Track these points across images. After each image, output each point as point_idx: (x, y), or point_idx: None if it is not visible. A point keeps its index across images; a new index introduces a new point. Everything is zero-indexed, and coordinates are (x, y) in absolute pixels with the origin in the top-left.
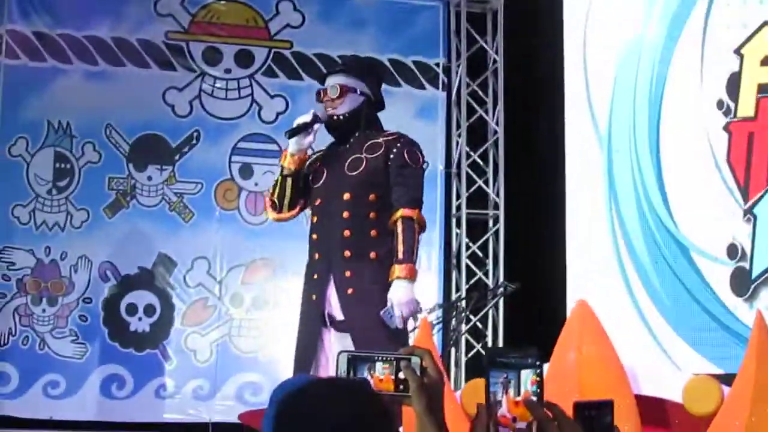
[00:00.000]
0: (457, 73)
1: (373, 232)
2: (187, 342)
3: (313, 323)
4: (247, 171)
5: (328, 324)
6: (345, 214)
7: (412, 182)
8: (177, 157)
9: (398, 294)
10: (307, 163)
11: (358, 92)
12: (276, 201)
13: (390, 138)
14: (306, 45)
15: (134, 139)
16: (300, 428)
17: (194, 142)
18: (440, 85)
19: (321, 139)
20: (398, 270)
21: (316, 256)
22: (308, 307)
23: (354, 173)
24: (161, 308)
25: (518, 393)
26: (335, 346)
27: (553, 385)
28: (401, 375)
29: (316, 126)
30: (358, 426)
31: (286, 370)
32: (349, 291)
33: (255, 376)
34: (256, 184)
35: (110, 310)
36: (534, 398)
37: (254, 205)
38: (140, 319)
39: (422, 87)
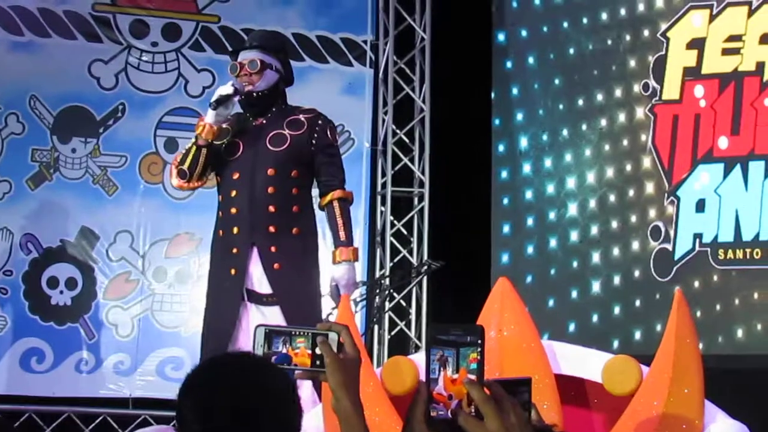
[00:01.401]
0: (384, 50)
1: (295, 208)
2: (108, 316)
3: (230, 298)
4: (172, 145)
5: (247, 299)
6: (270, 189)
7: (338, 161)
8: (102, 130)
9: (345, 276)
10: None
11: (274, 68)
12: (186, 170)
13: (310, 115)
14: (234, 19)
15: (59, 111)
16: (200, 397)
17: (119, 115)
18: (367, 63)
19: None
20: (344, 252)
21: (235, 230)
22: (225, 282)
23: (278, 149)
24: (83, 282)
25: (456, 371)
26: (256, 321)
27: None
28: (318, 350)
29: (236, 98)
30: (256, 397)
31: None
32: (275, 266)
33: (177, 351)
34: None
35: (31, 282)
36: (473, 377)
37: None
38: (62, 292)
39: (349, 64)
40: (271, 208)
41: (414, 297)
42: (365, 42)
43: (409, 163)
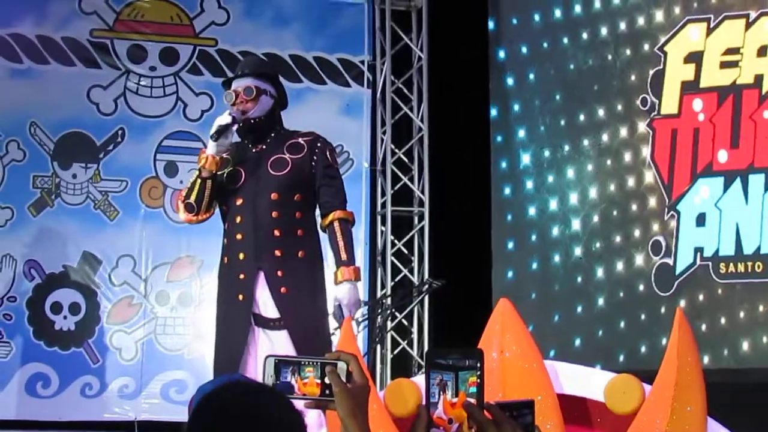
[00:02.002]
0: (381, 70)
1: (299, 232)
2: (112, 340)
3: (239, 324)
4: (172, 169)
5: (254, 324)
6: (274, 214)
7: (339, 183)
8: (102, 155)
9: (347, 296)
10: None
11: (269, 94)
12: (194, 203)
13: (309, 138)
14: (231, 42)
15: (59, 137)
16: (210, 426)
17: (119, 140)
18: (365, 83)
19: None
20: (345, 272)
21: (241, 256)
22: (233, 308)
23: (280, 174)
24: (86, 306)
25: (455, 394)
26: (264, 346)
27: None
28: (327, 380)
29: (234, 127)
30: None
31: (211, 368)
32: (282, 290)
33: (181, 374)
34: (181, 182)
35: (35, 308)
36: (473, 400)
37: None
38: (65, 317)
39: (347, 84)
40: (276, 233)
41: (416, 316)
42: (362, 62)
43: (409, 183)
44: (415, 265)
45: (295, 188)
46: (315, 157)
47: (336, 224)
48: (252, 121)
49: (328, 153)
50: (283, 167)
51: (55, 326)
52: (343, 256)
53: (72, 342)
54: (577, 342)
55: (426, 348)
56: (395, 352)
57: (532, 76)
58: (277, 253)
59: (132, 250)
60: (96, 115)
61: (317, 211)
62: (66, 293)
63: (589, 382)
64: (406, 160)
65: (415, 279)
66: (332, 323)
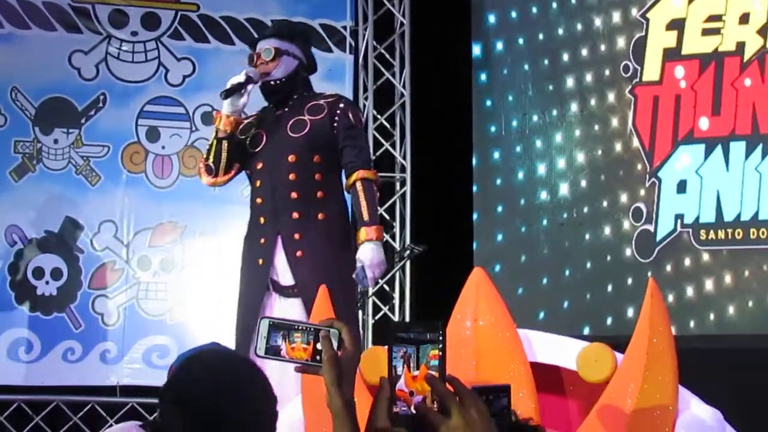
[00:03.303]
0: (364, 36)
1: (319, 194)
2: (94, 305)
3: (257, 289)
4: (154, 134)
5: (272, 289)
6: (291, 176)
7: (361, 143)
8: (83, 121)
9: (370, 256)
10: (240, 127)
11: (291, 54)
12: (212, 165)
13: (331, 99)
14: (212, 7)
15: (40, 102)
16: (185, 391)
17: (101, 105)
18: (347, 48)
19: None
20: (367, 232)
21: (261, 220)
22: (253, 273)
23: (298, 135)
24: (68, 272)
25: (417, 367)
26: (280, 313)
27: (449, 353)
28: (318, 345)
29: (249, 87)
30: (236, 396)
31: (194, 333)
32: (298, 254)
33: (163, 339)
34: (163, 147)
35: (16, 273)
36: (434, 373)
37: (161, 168)
38: (47, 282)
39: (329, 50)
40: (294, 195)
41: (397, 281)
42: (345, 28)
43: (390, 148)
44: (397, 230)
45: (314, 149)
46: (336, 118)
47: (358, 184)
48: (273, 82)
49: (350, 113)
50: (301, 128)
51: (37, 291)
52: (365, 216)
53: (54, 307)
54: (542, 315)
55: (408, 314)
56: (376, 317)
57: (500, 45)
58: (295, 215)
59: (114, 216)
60: (77, 81)
61: (343, 174)
62: (48, 258)
63: (561, 350)
64: (388, 126)
65: (396, 244)
66: (362, 284)
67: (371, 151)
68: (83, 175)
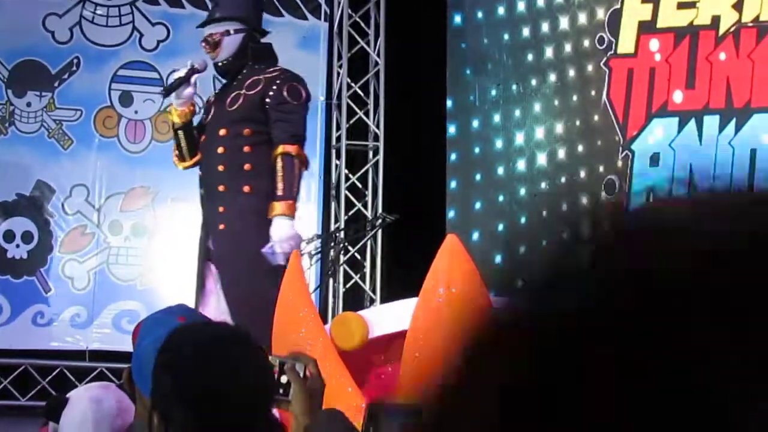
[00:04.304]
0: (339, 3)
1: (246, 166)
2: (65, 269)
3: (199, 259)
4: (127, 98)
5: (208, 259)
6: (220, 150)
7: (292, 118)
8: (57, 84)
9: (279, 231)
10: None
11: (232, 32)
12: (179, 152)
13: (271, 74)
14: None
15: (13, 65)
16: (183, 377)
17: (74, 69)
18: (322, 16)
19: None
20: (278, 207)
21: (202, 191)
22: (200, 244)
23: (231, 109)
24: (39, 235)
25: None
26: (214, 281)
27: (421, 320)
28: (283, 379)
29: (194, 77)
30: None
31: (163, 299)
32: (221, 226)
33: (133, 304)
34: (135, 112)
35: None
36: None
37: (134, 132)
38: (18, 246)
39: (304, 17)
40: (221, 168)
41: (369, 250)
42: None
43: (364, 117)
44: (369, 199)
45: (245, 123)
46: (271, 93)
47: (279, 159)
48: (220, 64)
49: (286, 89)
50: (235, 103)
51: (7, 254)
52: (278, 190)
53: (24, 270)
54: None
55: (378, 282)
56: (347, 285)
57: (481, 14)
58: (221, 188)
59: (86, 180)
60: (51, 44)
61: None
62: (19, 222)
63: None
64: (362, 94)
65: (368, 213)
66: (272, 259)
67: (345, 119)
68: (55, 138)
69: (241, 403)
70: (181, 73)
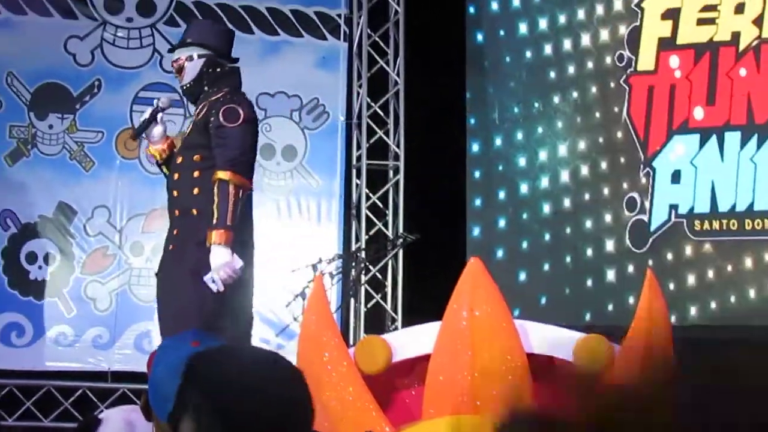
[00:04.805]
0: (358, 24)
1: (195, 190)
2: (87, 290)
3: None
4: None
5: None
6: (176, 176)
7: (227, 142)
8: (78, 106)
9: (214, 260)
10: None
11: (195, 57)
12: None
13: (215, 97)
14: None
15: (35, 87)
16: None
17: (95, 90)
18: (342, 36)
19: None
20: (212, 235)
21: (168, 216)
22: None
23: (186, 136)
24: (61, 257)
25: None
26: None
27: (445, 344)
28: None
29: (159, 115)
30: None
31: None
32: (171, 247)
33: (154, 325)
34: None
35: (10, 258)
36: None
37: None
38: (40, 267)
39: (324, 37)
40: (175, 193)
41: (390, 270)
42: (339, 15)
43: (384, 137)
44: (390, 218)
45: (195, 149)
46: (212, 117)
47: (215, 185)
48: (184, 87)
49: (222, 113)
50: (188, 129)
51: (29, 276)
52: (213, 219)
53: (47, 292)
54: (543, 300)
55: (400, 302)
56: (369, 305)
57: (503, 32)
58: (176, 213)
59: (107, 201)
60: (73, 66)
61: None
62: (41, 243)
63: (558, 341)
64: (382, 114)
65: (389, 233)
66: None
67: (365, 138)
68: (77, 160)
69: (276, 424)
70: (146, 114)
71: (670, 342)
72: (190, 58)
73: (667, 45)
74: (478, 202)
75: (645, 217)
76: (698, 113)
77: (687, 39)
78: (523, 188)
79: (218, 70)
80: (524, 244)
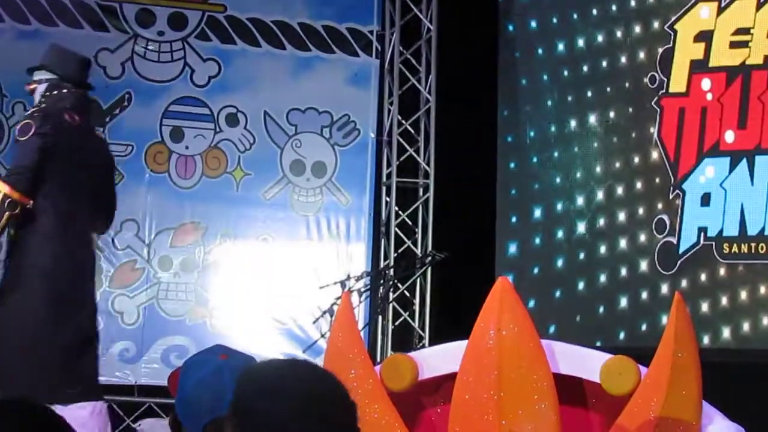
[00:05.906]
0: (390, 41)
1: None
2: (114, 304)
3: None
4: (177, 134)
5: None
6: None
7: (16, 155)
8: (108, 119)
9: None
10: None
11: (43, 81)
12: None
13: (25, 114)
14: (240, 9)
15: None
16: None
17: (126, 104)
18: (373, 53)
19: None
20: None
21: None
22: None
23: None
24: None
25: None
26: None
27: (472, 363)
28: None
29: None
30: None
31: (212, 335)
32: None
33: (181, 339)
34: (186, 147)
35: None
36: None
37: (184, 168)
38: None
39: (356, 54)
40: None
41: (418, 288)
42: (371, 32)
43: (415, 154)
44: (419, 236)
45: None
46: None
47: None
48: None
49: (18, 127)
50: None
51: None
52: None
53: None
54: (578, 318)
55: (428, 320)
56: (396, 323)
57: (540, 50)
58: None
59: (136, 215)
60: (103, 79)
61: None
62: None
63: (585, 362)
64: (413, 131)
65: (418, 250)
66: None
67: (396, 156)
68: None
69: None
70: None
71: (698, 365)
72: (39, 82)
73: (699, 67)
74: (514, 219)
75: (674, 239)
76: (729, 136)
77: (719, 62)
78: (559, 206)
79: (56, 92)
80: (559, 263)
